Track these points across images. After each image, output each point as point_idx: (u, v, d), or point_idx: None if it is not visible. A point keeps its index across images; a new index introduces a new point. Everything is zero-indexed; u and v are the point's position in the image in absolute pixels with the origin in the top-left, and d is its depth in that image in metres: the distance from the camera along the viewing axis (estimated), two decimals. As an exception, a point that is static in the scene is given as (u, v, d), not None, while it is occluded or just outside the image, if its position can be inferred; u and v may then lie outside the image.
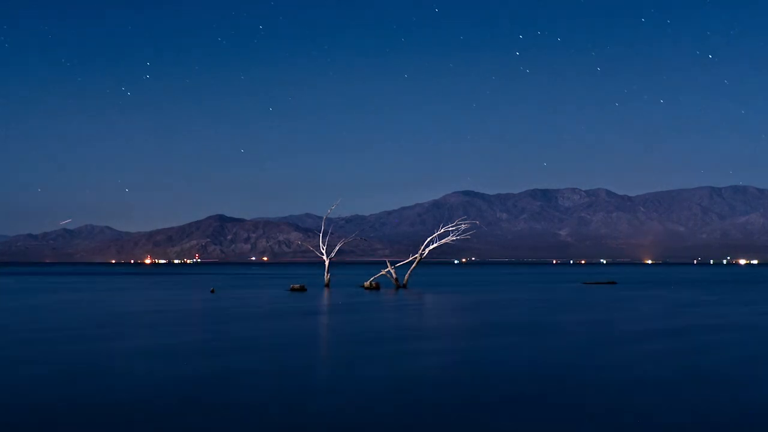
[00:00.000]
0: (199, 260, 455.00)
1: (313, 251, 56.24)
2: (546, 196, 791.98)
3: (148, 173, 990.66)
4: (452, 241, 52.46)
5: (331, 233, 55.45)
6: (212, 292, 45.71)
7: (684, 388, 11.86)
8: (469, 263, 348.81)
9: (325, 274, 54.34)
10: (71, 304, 34.97)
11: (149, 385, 11.91)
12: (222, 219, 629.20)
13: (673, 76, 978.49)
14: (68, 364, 14.17)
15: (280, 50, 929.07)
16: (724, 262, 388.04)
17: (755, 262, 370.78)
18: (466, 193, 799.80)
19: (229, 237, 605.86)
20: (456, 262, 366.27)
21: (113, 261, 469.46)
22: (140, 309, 30.33)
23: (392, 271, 52.33)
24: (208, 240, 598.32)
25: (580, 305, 33.80)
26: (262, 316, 25.95)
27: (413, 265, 53.10)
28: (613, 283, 63.16)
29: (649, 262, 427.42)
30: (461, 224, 53.05)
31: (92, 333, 20.18)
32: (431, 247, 52.76)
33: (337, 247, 54.94)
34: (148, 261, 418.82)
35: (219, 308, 31.28)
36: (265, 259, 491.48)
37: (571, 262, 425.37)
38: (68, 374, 12.87)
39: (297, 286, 48.49)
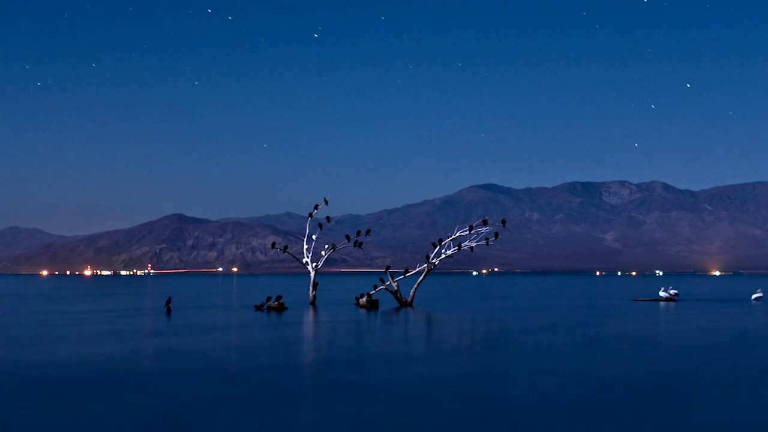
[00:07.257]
0: (152, 271, 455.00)
1: (295, 260, 56.03)
2: (588, 190, 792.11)
3: (87, 164, 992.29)
4: (470, 247, 52.19)
5: (318, 238, 55.25)
6: (168, 313, 45.45)
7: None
8: (491, 275, 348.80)
9: (310, 289, 54.08)
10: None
11: None
12: (181, 220, 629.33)
13: (744, 53, 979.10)
14: None
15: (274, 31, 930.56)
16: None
17: None
18: (487, 186, 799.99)
19: (189, 242, 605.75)
20: (475, 273, 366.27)
21: (44, 272, 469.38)
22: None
23: (394, 285, 52.07)
24: (164, 246, 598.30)
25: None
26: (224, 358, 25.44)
27: (421, 278, 52.87)
28: (672, 300, 62.93)
29: (717, 273, 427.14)
30: (482, 226, 52.81)
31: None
32: (443, 255, 52.51)
33: (326, 255, 54.74)
34: (88, 272, 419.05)
35: (168, 345, 31.07)
36: (234, 269, 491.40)
37: (619, 273, 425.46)
38: None
39: (274, 303, 48.08)
